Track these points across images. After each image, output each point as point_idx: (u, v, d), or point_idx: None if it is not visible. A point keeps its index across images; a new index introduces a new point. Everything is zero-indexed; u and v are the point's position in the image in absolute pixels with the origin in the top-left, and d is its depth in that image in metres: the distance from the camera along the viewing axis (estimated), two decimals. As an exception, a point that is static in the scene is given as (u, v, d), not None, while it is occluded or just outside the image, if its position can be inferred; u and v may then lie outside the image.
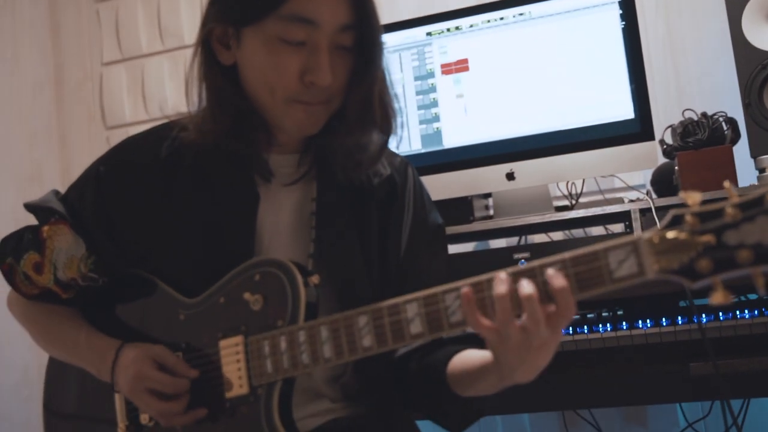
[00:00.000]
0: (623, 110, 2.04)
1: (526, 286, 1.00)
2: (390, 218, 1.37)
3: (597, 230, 2.37)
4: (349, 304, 1.27)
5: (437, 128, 2.18)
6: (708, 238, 0.96)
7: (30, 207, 1.34)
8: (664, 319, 1.68)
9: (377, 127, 1.29)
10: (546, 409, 2.26)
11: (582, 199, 2.32)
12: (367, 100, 1.26)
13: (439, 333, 1.08)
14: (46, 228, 1.30)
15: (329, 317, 1.15)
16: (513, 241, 2.44)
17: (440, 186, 2.15)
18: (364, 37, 1.23)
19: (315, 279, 1.21)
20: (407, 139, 2.20)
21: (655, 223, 1.95)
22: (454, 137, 2.17)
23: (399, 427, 1.32)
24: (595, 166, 2.08)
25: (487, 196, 2.27)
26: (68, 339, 1.32)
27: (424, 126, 2.19)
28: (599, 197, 2.36)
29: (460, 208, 2.19)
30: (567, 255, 1.02)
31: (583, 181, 2.26)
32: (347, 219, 1.33)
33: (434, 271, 1.39)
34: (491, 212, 2.26)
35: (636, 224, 1.97)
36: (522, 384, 1.11)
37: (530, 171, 2.10)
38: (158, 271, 1.31)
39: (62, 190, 1.40)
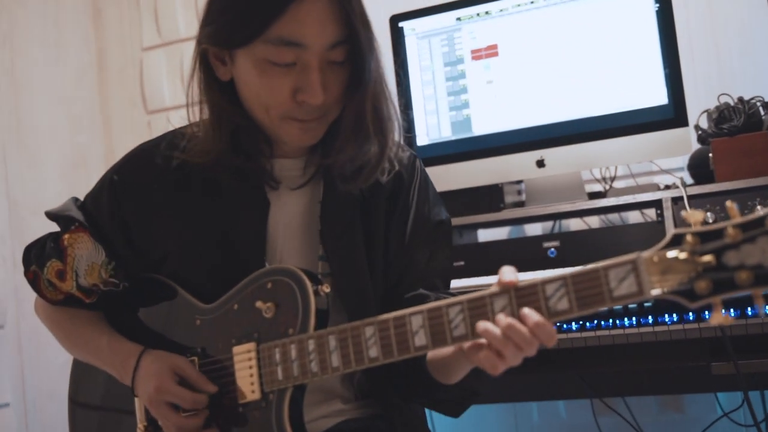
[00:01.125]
0: (656, 96, 2.00)
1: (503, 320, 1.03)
2: (395, 212, 1.38)
3: (634, 216, 2.34)
4: (355, 304, 1.30)
5: (467, 115, 2.16)
6: (708, 259, 0.95)
7: (51, 215, 1.38)
8: (691, 314, 1.65)
9: (371, 140, 1.28)
10: (576, 397, 2.26)
11: (617, 183, 2.29)
12: (359, 115, 1.26)
13: (442, 345, 1.09)
14: (66, 236, 1.34)
15: (338, 327, 1.17)
16: (548, 226, 2.42)
17: (470, 173, 2.15)
18: (354, 51, 1.22)
19: (325, 288, 1.22)
20: (437, 126, 2.19)
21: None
22: (483, 124, 2.15)
23: (411, 428, 1.33)
24: (627, 153, 2.05)
25: (521, 182, 2.26)
26: (91, 343, 1.36)
27: (454, 113, 2.18)
28: (635, 181, 2.33)
29: (491, 195, 2.18)
30: (567, 272, 1.02)
31: (616, 166, 2.23)
32: (353, 219, 1.34)
33: (432, 266, 1.39)
34: (523, 197, 2.25)
35: (667, 213, 1.94)
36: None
37: (561, 158, 2.08)
38: (175, 277, 1.35)
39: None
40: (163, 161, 1.32)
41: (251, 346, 1.23)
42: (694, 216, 0.98)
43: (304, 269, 1.24)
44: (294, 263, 1.32)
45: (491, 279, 1.91)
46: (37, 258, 1.37)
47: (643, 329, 1.66)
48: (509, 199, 2.22)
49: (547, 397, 2.35)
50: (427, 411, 2.43)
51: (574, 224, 2.40)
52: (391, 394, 1.34)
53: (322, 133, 1.29)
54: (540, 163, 2.09)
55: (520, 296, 1.04)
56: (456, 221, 2.14)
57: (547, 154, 2.08)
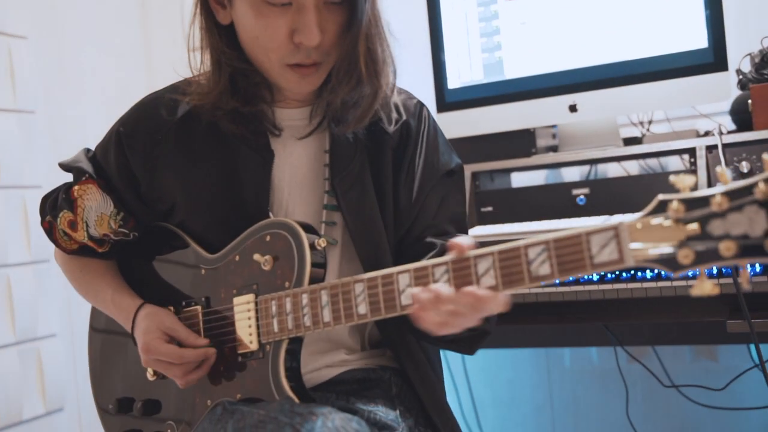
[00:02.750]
0: (696, 39, 1.92)
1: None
2: (403, 162, 1.36)
3: (674, 162, 2.27)
4: (368, 252, 1.30)
5: (499, 57, 2.11)
6: (692, 227, 0.92)
7: (64, 166, 1.41)
8: (714, 269, 1.61)
9: (364, 82, 1.27)
10: (605, 344, 2.25)
11: (657, 127, 2.22)
12: (352, 56, 1.24)
13: (427, 306, 1.09)
14: (76, 188, 1.37)
15: (329, 282, 1.18)
16: (584, 171, 2.37)
17: (501, 117, 2.11)
18: None
19: (322, 242, 1.23)
20: (468, 69, 2.15)
21: (720, 162, 1.86)
22: (516, 67, 2.10)
23: (416, 379, 1.34)
24: (662, 99, 1.98)
25: (555, 126, 2.21)
26: (99, 295, 1.41)
27: (486, 54, 2.13)
28: (670, 126, 2.25)
29: (523, 139, 2.14)
30: (551, 236, 1.00)
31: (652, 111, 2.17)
32: (361, 167, 1.34)
33: (443, 213, 1.38)
34: (557, 142, 2.21)
35: (701, 161, 1.88)
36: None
37: (594, 103, 2.02)
38: (183, 226, 1.37)
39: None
40: (167, 112, 1.33)
41: (250, 297, 1.26)
42: (683, 181, 0.95)
43: (301, 222, 1.24)
44: (299, 213, 1.33)
45: (518, 226, 1.91)
46: (51, 208, 1.41)
47: (661, 283, 1.63)
48: (542, 143, 2.18)
49: (577, 344, 2.35)
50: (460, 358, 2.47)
51: (612, 169, 2.35)
52: (402, 344, 1.35)
53: (322, 79, 1.28)
54: (572, 108, 2.04)
55: (503, 259, 1.03)
56: (486, 166, 2.12)
57: (580, 98, 2.03)
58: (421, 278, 1.09)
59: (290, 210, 1.34)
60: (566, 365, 2.49)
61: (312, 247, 1.22)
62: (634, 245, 0.95)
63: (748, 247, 0.89)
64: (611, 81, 2.00)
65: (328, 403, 1.30)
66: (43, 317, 2.50)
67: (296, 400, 1.18)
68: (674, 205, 0.93)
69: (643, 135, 2.17)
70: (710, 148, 1.89)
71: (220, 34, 1.27)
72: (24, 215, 2.48)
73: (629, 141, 2.12)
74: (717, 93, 1.94)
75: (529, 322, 1.87)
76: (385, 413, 1.28)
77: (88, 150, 1.42)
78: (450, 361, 2.56)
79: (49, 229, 1.41)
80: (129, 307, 1.35)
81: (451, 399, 2.54)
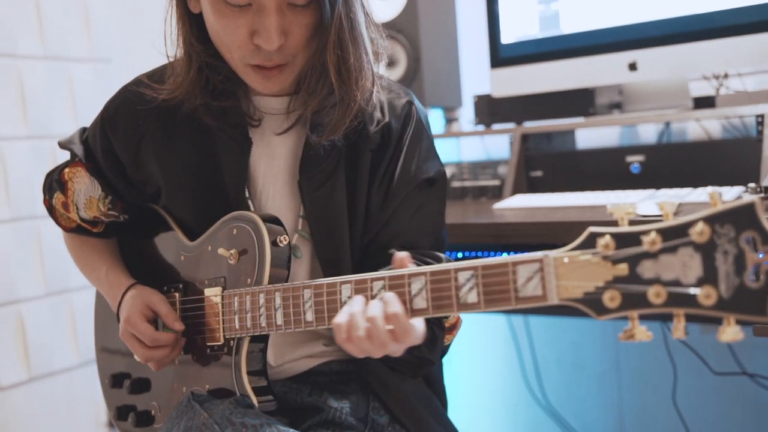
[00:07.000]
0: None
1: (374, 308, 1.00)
2: (380, 166, 1.28)
3: (751, 124, 2.04)
4: (329, 254, 1.26)
5: (555, 10, 1.95)
6: (621, 267, 0.82)
7: (61, 145, 1.41)
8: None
9: (335, 93, 1.18)
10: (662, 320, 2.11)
11: (733, 81, 2.00)
12: (321, 65, 1.16)
13: (365, 318, 1.03)
14: (66, 170, 1.38)
15: (283, 285, 1.14)
16: (656, 131, 2.19)
17: (555, 75, 1.97)
18: None
19: (284, 239, 1.19)
20: (523, 22, 2.00)
21: (788, 134, 1.66)
22: (572, 21, 1.94)
23: (374, 381, 1.29)
24: (735, 58, 1.77)
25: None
26: (94, 272, 1.42)
27: (542, 6, 1.97)
28: (755, 80, 2.03)
29: (580, 99, 2.00)
30: (479, 262, 0.92)
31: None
32: (336, 167, 1.26)
33: (416, 224, 1.29)
34: (622, 99, 2.04)
35: (767, 131, 1.69)
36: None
37: (656, 61, 1.84)
38: (167, 211, 1.36)
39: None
40: (149, 97, 1.30)
41: (218, 290, 1.24)
42: (620, 210, 0.84)
43: (267, 216, 1.21)
44: (272, 205, 1.29)
45: (560, 198, 1.79)
46: (48, 189, 1.43)
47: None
48: (603, 101, 2.02)
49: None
50: (522, 316, 2.38)
51: (688, 131, 2.16)
52: None
53: (289, 81, 1.21)
54: (632, 67, 1.87)
55: (434, 281, 0.96)
56: (534, 128, 2.00)
57: (641, 56, 1.85)
58: (361, 291, 1.03)
59: (263, 201, 1.30)
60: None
61: (275, 243, 1.18)
62: (559, 282, 0.85)
63: (679, 296, 0.78)
64: (676, 37, 1.81)
65: (299, 397, 1.28)
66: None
67: (253, 397, 1.17)
68: (604, 240, 0.83)
69: (717, 91, 1.96)
70: (780, 116, 1.69)
71: (191, 24, 1.22)
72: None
73: (701, 100, 1.92)
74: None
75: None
76: (354, 411, 1.25)
77: (83, 130, 1.42)
78: (513, 318, 2.49)
79: (50, 208, 1.44)
80: (121, 284, 1.36)
81: (512, 357, 2.49)
